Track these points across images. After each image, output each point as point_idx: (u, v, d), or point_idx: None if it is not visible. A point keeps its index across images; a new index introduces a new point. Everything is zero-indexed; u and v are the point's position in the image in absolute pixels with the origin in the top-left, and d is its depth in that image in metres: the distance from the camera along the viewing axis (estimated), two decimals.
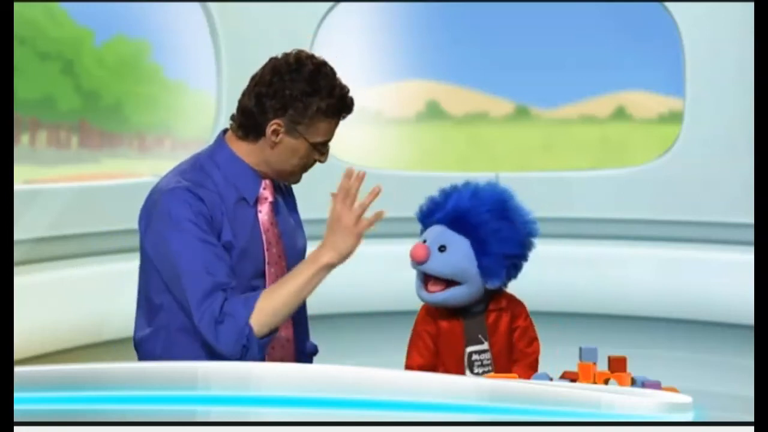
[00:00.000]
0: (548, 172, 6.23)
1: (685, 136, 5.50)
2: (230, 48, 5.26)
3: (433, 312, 2.75)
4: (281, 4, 5.34)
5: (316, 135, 2.62)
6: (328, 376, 2.11)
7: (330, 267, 2.52)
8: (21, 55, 9.65)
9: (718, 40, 5.41)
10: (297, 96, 2.58)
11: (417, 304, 5.31)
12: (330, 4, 5.42)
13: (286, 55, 2.64)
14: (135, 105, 10.90)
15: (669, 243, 5.44)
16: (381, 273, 5.37)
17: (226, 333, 2.48)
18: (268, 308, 2.49)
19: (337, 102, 2.62)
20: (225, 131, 2.71)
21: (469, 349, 2.67)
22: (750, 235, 4.70)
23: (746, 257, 4.82)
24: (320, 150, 2.65)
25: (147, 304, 2.66)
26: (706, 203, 5.40)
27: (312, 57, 2.64)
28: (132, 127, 11.11)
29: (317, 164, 2.70)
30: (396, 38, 7.68)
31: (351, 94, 2.65)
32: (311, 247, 2.68)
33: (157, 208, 2.59)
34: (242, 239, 2.61)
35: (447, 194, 2.76)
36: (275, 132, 2.60)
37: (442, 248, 2.66)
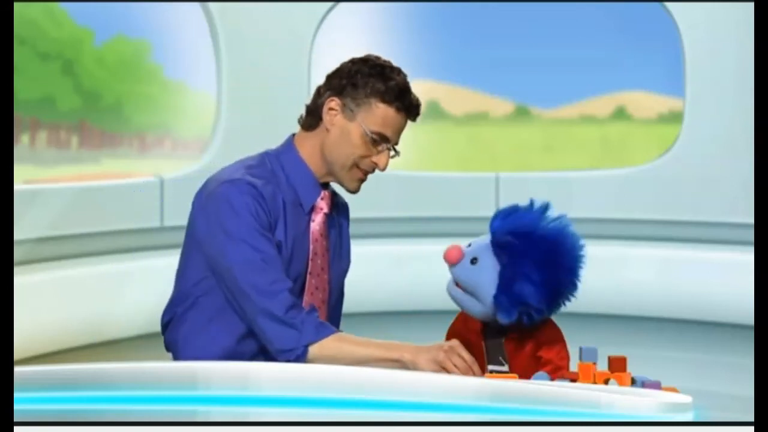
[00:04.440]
0: (548, 172, 6.23)
1: (685, 136, 5.50)
2: (230, 48, 5.26)
3: (467, 321, 2.71)
4: (281, 4, 5.34)
5: (372, 122, 2.55)
6: (328, 376, 2.11)
7: (400, 363, 2.44)
8: (21, 55, 9.65)
9: (718, 40, 5.41)
10: (356, 74, 2.55)
11: (416, 304, 5.32)
12: (330, 4, 5.42)
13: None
14: (135, 105, 10.90)
15: (669, 243, 5.44)
16: (381, 273, 5.37)
17: (281, 336, 2.44)
18: (333, 350, 2.44)
19: (397, 89, 2.55)
20: (293, 135, 2.68)
21: (491, 368, 2.65)
22: (750, 235, 4.70)
23: (746, 257, 4.82)
24: (375, 143, 2.56)
25: (180, 289, 2.62)
26: (706, 203, 5.40)
27: (382, 59, 2.62)
28: (132, 127, 11.10)
29: None
30: (396, 38, 7.68)
31: (419, 99, 2.60)
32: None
33: (216, 193, 2.52)
34: (291, 244, 2.58)
35: (520, 212, 2.64)
36: (331, 110, 2.56)
37: (473, 260, 2.60)
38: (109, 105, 10.96)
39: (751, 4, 4.91)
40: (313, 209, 2.63)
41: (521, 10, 8.95)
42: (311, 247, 2.61)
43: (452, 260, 2.57)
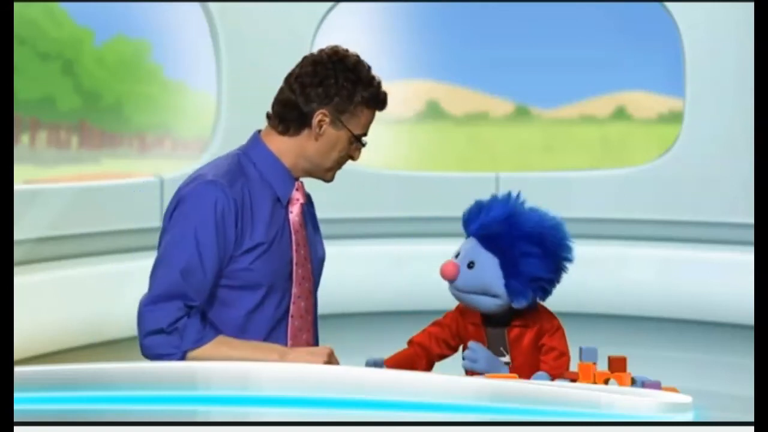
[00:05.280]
0: (548, 172, 6.23)
1: (685, 136, 5.51)
2: (230, 48, 5.26)
3: (465, 313, 2.73)
4: (281, 4, 5.34)
5: (357, 126, 2.65)
6: (328, 376, 2.11)
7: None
8: (21, 55, 9.65)
9: (718, 40, 5.41)
10: (342, 84, 2.62)
11: (416, 304, 5.29)
12: (330, 4, 5.42)
13: (321, 51, 2.68)
14: (135, 105, 10.91)
15: (669, 243, 5.44)
16: (381, 273, 5.37)
17: (161, 344, 2.51)
18: (209, 355, 2.50)
19: (377, 92, 2.66)
20: (259, 131, 2.71)
21: None
22: (750, 235, 4.70)
23: (746, 257, 4.82)
24: (357, 144, 2.67)
25: None
26: (706, 203, 5.41)
27: (348, 50, 2.68)
28: (132, 127, 11.11)
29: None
30: (396, 38, 7.69)
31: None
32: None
33: (187, 195, 2.59)
34: (272, 238, 2.61)
35: (486, 206, 2.71)
36: (320, 123, 2.62)
37: (470, 264, 2.64)
38: (109, 105, 10.97)
39: (751, 4, 4.91)
40: (289, 201, 2.66)
41: (521, 10, 8.95)
42: (293, 238, 2.64)
43: (452, 275, 2.63)
